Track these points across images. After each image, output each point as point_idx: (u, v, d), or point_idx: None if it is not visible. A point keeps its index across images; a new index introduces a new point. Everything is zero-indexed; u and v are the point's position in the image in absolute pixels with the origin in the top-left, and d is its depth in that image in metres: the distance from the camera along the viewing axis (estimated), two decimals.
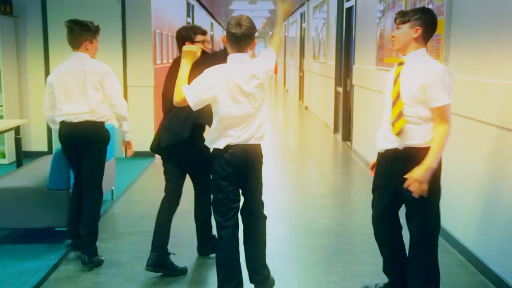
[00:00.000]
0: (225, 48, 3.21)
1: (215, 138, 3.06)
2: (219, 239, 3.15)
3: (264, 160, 3.23)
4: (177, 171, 3.63)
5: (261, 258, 3.31)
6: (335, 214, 5.03)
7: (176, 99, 2.99)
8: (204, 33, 3.62)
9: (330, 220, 4.85)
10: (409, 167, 2.85)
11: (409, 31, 2.89)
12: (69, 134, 3.71)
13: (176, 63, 3.42)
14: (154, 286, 3.46)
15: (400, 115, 2.89)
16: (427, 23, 2.88)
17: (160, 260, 3.54)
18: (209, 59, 3.30)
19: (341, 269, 3.74)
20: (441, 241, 4.24)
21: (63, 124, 3.71)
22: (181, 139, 3.47)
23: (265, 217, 3.32)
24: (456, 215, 4.09)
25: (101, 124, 3.75)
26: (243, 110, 2.99)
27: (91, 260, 3.68)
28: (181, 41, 3.54)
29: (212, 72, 2.99)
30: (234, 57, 3.03)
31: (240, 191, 3.21)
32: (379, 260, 3.90)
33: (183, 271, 3.64)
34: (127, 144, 4.01)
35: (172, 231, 3.98)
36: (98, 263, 3.73)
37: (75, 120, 3.66)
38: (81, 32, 3.72)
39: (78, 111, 3.65)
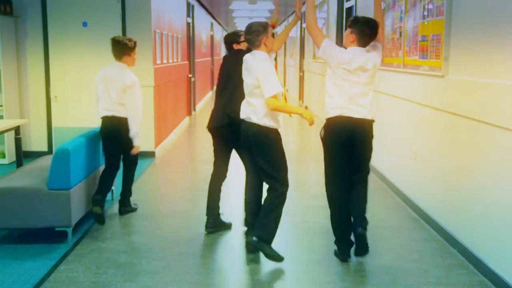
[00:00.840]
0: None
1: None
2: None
3: (269, 142, 3.76)
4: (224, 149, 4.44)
5: (263, 222, 3.82)
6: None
7: None
8: None
9: (330, 220, 4.84)
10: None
11: (349, 36, 3.77)
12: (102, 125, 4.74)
13: (226, 59, 4.42)
14: (154, 286, 3.46)
15: None
16: (359, 33, 3.72)
17: (215, 222, 4.40)
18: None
19: (341, 269, 3.74)
20: (441, 241, 4.26)
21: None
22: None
23: (276, 191, 3.81)
24: (459, 217, 4.10)
25: (119, 119, 4.62)
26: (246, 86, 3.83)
27: (124, 209, 4.91)
28: (229, 44, 4.50)
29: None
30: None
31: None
32: (378, 260, 3.91)
33: (230, 226, 4.54)
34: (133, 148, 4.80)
35: (171, 231, 3.98)
36: (131, 210, 4.95)
37: (102, 114, 4.67)
38: (121, 48, 4.67)
39: (102, 107, 4.66)
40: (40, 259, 3.85)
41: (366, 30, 3.71)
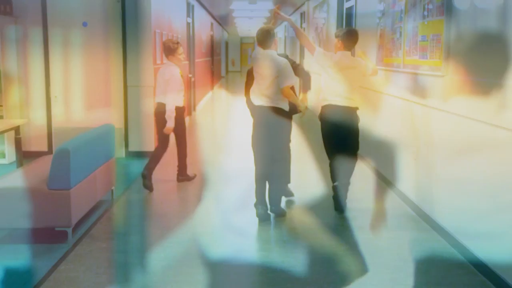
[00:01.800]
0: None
1: None
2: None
3: (284, 120, 4.76)
4: None
5: (272, 192, 4.87)
6: (335, 214, 5.03)
7: None
8: None
9: (330, 220, 4.85)
10: None
11: (337, 43, 4.90)
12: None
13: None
14: (154, 286, 3.47)
15: None
16: (344, 40, 4.84)
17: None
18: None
19: (342, 269, 3.74)
20: (441, 241, 4.26)
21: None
22: None
23: (281, 159, 4.96)
24: (459, 216, 4.10)
25: (162, 105, 5.64)
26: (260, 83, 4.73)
27: (181, 178, 6.15)
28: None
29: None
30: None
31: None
32: (379, 260, 3.91)
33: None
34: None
35: (171, 231, 3.97)
36: (188, 179, 6.10)
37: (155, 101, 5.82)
38: (166, 50, 5.70)
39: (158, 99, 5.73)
40: (40, 259, 3.85)
41: (349, 36, 4.86)
